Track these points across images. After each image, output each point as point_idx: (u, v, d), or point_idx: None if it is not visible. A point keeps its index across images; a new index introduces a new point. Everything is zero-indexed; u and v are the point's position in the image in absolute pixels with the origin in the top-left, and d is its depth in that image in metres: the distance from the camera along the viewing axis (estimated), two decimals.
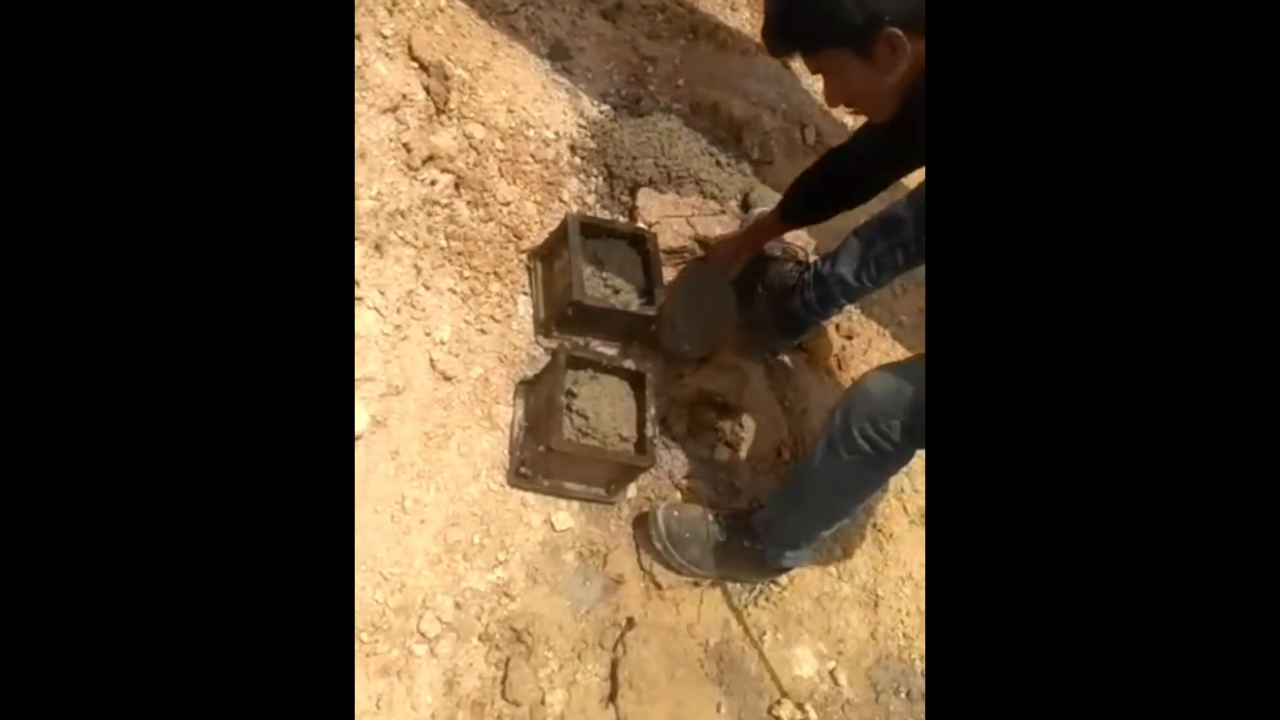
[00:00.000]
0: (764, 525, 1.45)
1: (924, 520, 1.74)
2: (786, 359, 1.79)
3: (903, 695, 1.55)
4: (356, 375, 1.38)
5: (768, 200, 1.91)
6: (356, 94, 1.58)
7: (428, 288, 1.50)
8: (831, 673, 1.51)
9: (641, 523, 1.49)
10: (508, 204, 1.65)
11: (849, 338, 1.89)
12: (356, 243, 1.47)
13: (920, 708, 1.54)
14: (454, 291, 1.52)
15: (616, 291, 1.61)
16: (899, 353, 1.93)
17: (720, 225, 1.83)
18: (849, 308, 1.79)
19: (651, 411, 1.49)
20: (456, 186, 1.60)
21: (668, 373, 1.64)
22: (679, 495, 1.56)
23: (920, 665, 1.59)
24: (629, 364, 1.52)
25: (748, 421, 1.66)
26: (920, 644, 1.60)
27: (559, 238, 1.59)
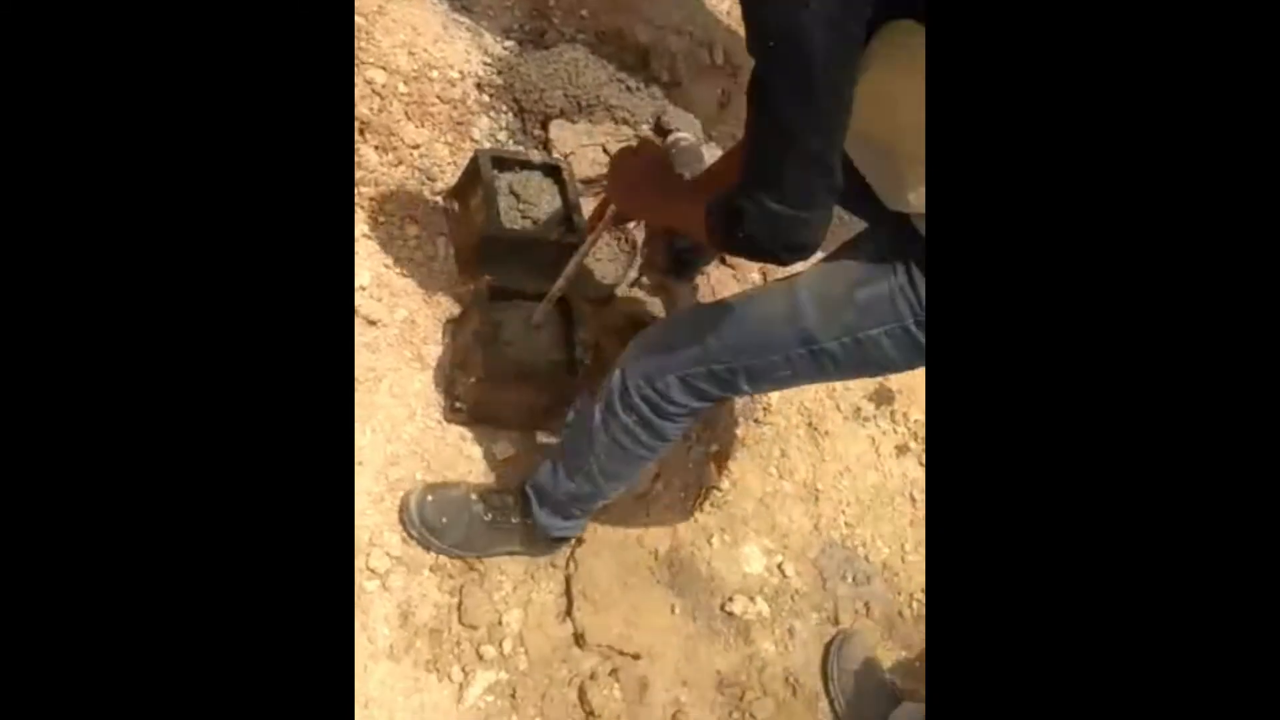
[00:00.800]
0: (537, 491, 1.34)
1: (858, 418, 1.80)
2: (712, 277, 1.82)
3: (849, 580, 1.62)
4: None
5: (679, 122, 1.92)
6: None
7: None
8: (779, 566, 1.57)
9: (406, 506, 1.35)
10: (417, 147, 1.64)
11: None
12: None
13: (865, 589, 1.61)
14: (369, 237, 1.52)
15: (536, 223, 1.62)
16: None
17: None
18: None
19: (581, 334, 1.51)
20: (361, 133, 1.59)
21: (596, 299, 1.66)
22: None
23: (863, 550, 1.66)
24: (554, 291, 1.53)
25: None
26: (861, 531, 1.67)
27: (471, 174, 1.59)
